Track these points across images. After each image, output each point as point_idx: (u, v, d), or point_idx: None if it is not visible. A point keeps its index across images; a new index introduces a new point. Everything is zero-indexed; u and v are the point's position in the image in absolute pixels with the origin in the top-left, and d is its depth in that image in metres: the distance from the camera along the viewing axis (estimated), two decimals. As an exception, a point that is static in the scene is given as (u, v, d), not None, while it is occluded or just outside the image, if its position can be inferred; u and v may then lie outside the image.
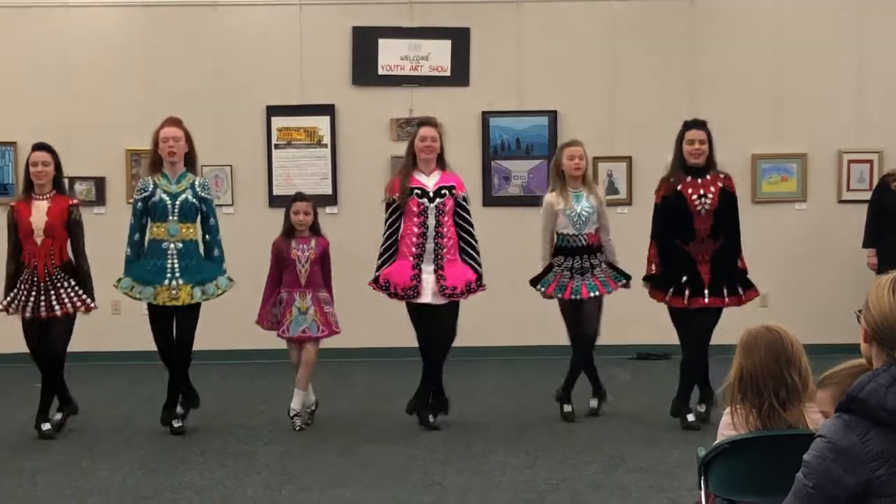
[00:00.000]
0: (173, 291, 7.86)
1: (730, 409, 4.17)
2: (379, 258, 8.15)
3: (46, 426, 8.00)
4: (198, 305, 8.03)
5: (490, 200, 11.10)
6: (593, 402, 8.57)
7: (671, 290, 7.97)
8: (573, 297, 8.22)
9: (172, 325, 8.04)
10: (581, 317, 8.34)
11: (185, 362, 8.12)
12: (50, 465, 7.29)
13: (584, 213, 8.25)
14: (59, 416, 8.16)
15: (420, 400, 8.18)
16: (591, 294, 8.25)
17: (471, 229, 8.18)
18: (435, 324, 8.07)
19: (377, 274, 8.11)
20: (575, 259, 8.28)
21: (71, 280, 7.96)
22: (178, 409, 8.17)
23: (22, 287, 7.91)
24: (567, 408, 8.40)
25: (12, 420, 8.36)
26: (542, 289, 8.36)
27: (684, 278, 7.92)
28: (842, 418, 3.13)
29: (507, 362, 10.66)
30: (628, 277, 8.41)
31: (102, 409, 9.08)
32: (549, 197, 8.37)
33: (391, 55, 11.21)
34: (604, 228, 8.38)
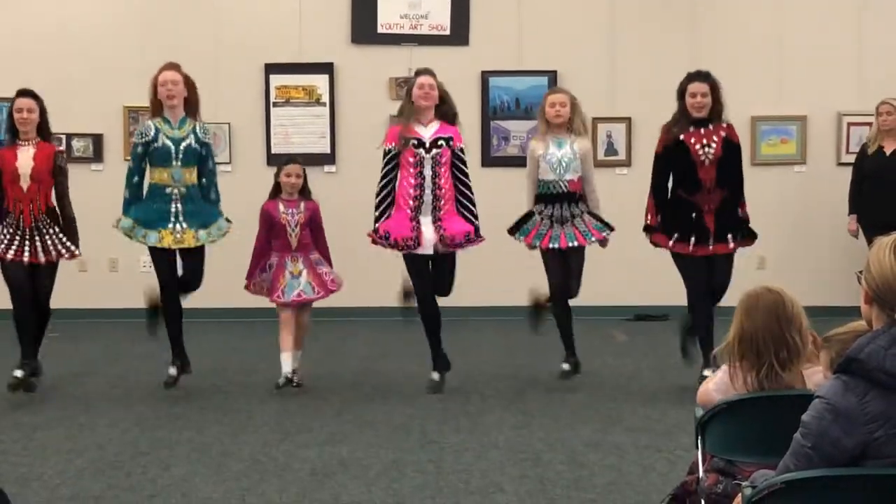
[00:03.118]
0: (178, 235, 7.86)
1: (727, 369, 4.18)
2: (376, 209, 8.07)
3: (18, 372, 7.85)
4: (201, 252, 8.05)
5: (489, 160, 11.10)
6: (565, 366, 8.20)
7: (675, 235, 7.95)
8: (551, 245, 8.06)
9: (175, 265, 8.02)
10: (565, 270, 8.17)
11: (187, 288, 8.16)
12: (48, 420, 7.30)
13: (564, 158, 8.07)
14: (19, 372, 7.87)
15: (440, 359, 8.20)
16: (570, 244, 8.06)
17: (468, 182, 8.08)
18: (435, 275, 8.05)
19: (376, 226, 8.07)
20: (555, 206, 8.12)
21: (56, 227, 7.92)
22: (172, 371, 8.13)
23: (5, 231, 7.86)
24: (564, 365, 8.23)
25: (7, 376, 8.35)
26: (521, 238, 8.21)
27: (693, 215, 7.89)
28: (841, 379, 3.14)
29: (503, 322, 10.67)
30: (611, 228, 8.24)
31: (100, 366, 9.10)
32: (532, 143, 8.30)
33: (390, 13, 11.17)
34: (587, 180, 8.20)
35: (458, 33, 11.18)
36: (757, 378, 4.05)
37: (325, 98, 11.20)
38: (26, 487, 5.86)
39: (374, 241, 8.10)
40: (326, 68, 11.16)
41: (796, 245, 11.12)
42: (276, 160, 10.07)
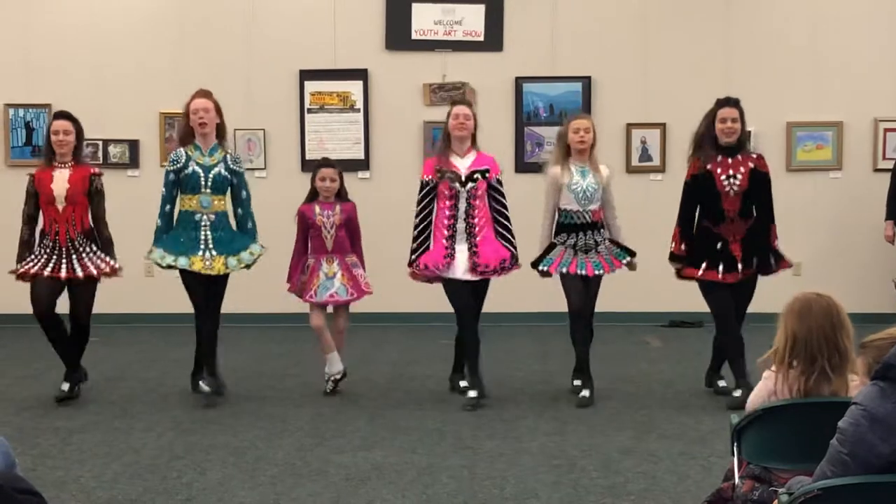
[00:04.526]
0: (207, 262, 7.87)
1: (773, 375, 4.16)
2: (413, 241, 8.06)
3: (65, 386, 8.05)
4: (226, 277, 8.07)
5: (522, 167, 11.09)
6: (581, 387, 8.02)
7: (704, 264, 7.88)
8: (578, 271, 7.94)
9: (206, 287, 8.02)
10: (585, 294, 8.06)
11: (213, 331, 8.11)
12: (84, 424, 7.35)
13: (589, 188, 7.95)
14: (66, 386, 8.05)
15: (464, 374, 8.17)
16: (597, 272, 7.98)
17: (505, 212, 8.05)
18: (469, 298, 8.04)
19: (414, 260, 8.00)
20: (578, 236, 8.01)
21: (93, 245, 7.98)
22: (204, 386, 8.19)
23: (42, 252, 7.91)
24: (584, 392, 8.03)
25: (47, 380, 8.43)
26: (545, 268, 8.03)
27: (718, 244, 7.84)
28: (877, 386, 3.13)
29: (536, 328, 10.68)
30: (633, 254, 8.14)
31: (136, 371, 9.15)
32: (554, 171, 8.06)
33: (424, 19, 11.18)
34: (609, 206, 8.10)
35: (492, 39, 11.19)
36: (807, 383, 4.05)
37: (360, 104, 11.22)
38: (63, 491, 5.90)
39: (414, 277, 8.13)
40: (361, 74, 11.19)
41: (832, 251, 11.07)
42: (311, 166, 10.14)
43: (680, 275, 8.12)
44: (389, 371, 9.10)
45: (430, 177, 8.01)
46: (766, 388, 4.19)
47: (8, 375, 8.92)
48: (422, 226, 8.05)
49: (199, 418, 7.52)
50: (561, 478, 6.12)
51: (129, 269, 10.75)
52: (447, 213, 7.95)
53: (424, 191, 8.04)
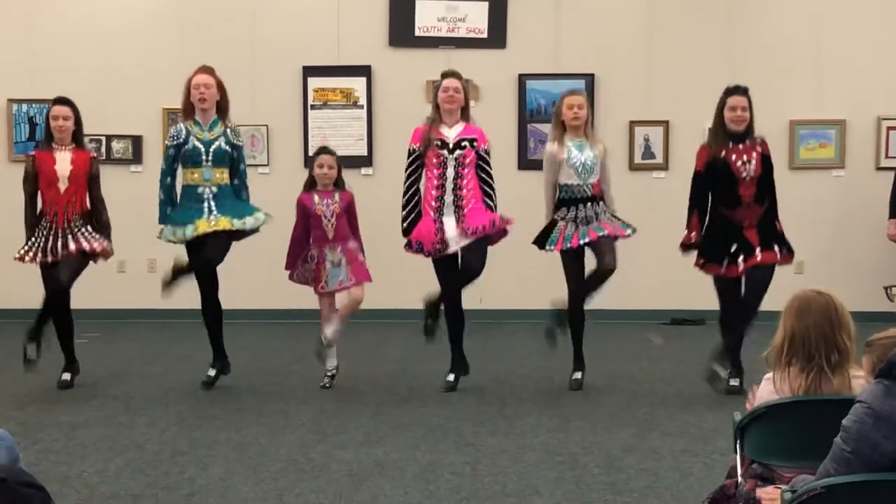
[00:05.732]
0: (212, 221, 7.98)
1: (772, 374, 4.17)
2: (402, 209, 8.14)
3: (66, 376, 8.21)
4: (229, 237, 8.10)
5: (525, 164, 11.08)
6: (577, 375, 8.27)
7: (725, 261, 7.89)
8: (581, 241, 7.99)
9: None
10: (597, 252, 8.07)
11: (212, 287, 8.18)
12: (87, 420, 7.36)
13: (588, 161, 8.02)
14: (67, 375, 8.25)
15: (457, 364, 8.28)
16: (600, 234, 7.97)
17: (491, 181, 8.11)
18: (466, 257, 8.09)
19: (408, 238, 8.11)
20: (578, 209, 8.06)
21: (89, 227, 8.09)
22: (211, 372, 8.27)
23: (40, 234, 8.04)
24: (576, 375, 8.29)
25: (50, 374, 8.43)
26: (551, 248, 8.12)
27: (734, 246, 7.87)
28: (882, 384, 3.13)
29: (539, 325, 10.65)
30: (633, 229, 8.18)
31: (139, 366, 9.16)
32: (552, 147, 8.15)
33: (428, 16, 11.19)
34: (605, 179, 8.15)
35: (496, 36, 11.19)
36: (806, 382, 4.04)
37: (363, 100, 11.23)
38: (66, 486, 5.91)
39: (409, 252, 8.19)
40: (364, 71, 11.20)
41: (835, 250, 11.06)
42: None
43: (702, 268, 8.12)
44: (392, 367, 9.11)
45: (417, 145, 8.09)
46: (767, 389, 4.19)
47: (10, 370, 8.92)
48: (409, 193, 8.13)
49: (202, 414, 7.53)
50: (563, 474, 6.13)
51: (131, 264, 10.84)
52: (435, 182, 8.02)
53: (411, 158, 8.13)
